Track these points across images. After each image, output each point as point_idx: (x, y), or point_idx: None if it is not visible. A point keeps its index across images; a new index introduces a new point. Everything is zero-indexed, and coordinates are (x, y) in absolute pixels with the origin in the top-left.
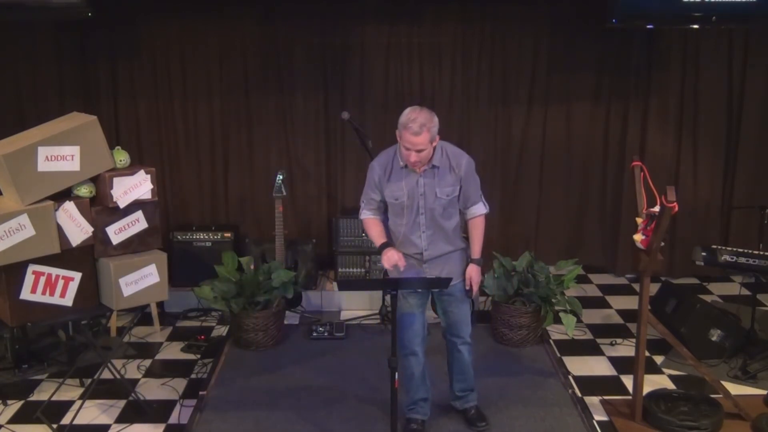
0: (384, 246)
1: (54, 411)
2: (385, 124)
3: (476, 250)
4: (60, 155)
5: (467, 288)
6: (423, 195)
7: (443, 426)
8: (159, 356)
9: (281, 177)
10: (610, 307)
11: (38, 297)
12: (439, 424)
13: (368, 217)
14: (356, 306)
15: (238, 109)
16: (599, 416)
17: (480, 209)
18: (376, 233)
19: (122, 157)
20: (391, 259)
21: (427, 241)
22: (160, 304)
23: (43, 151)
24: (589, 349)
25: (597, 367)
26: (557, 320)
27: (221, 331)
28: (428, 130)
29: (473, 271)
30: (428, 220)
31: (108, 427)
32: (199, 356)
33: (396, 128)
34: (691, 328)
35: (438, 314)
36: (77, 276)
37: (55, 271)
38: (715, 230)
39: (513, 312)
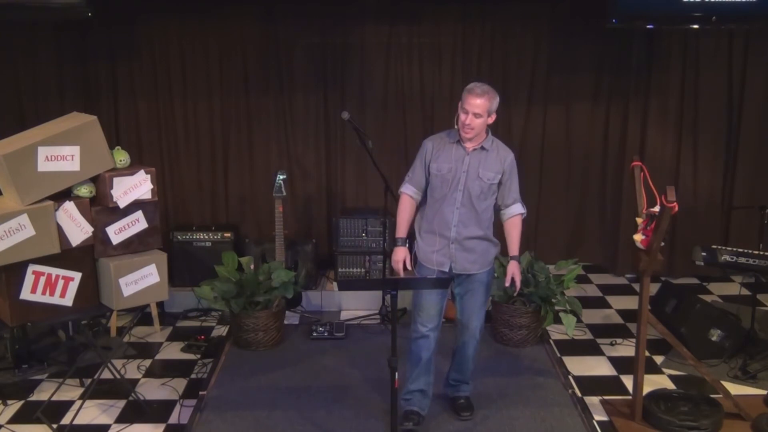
0: (400, 241)
1: (54, 411)
2: (385, 123)
3: (515, 248)
4: (60, 155)
5: (507, 285)
6: (466, 172)
7: (443, 426)
8: (159, 356)
9: (281, 177)
10: (610, 307)
11: (38, 297)
12: (439, 424)
13: (406, 195)
14: (356, 306)
15: (238, 109)
16: (599, 416)
17: (518, 209)
18: (402, 220)
19: (122, 157)
20: (398, 257)
21: (458, 219)
22: (160, 304)
23: (43, 151)
24: (589, 349)
25: (597, 367)
26: (557, 320)
27: (221, 331)
28: (489, 99)
29: (514, 268)
30: (464, 198)
31: (108, 427)
32: (199, 356)
33: (396, 128)
34: (691, 328)
35: (454, 300)
36: (77, 276)
37: (55, 271)
38: (715, 230)
39: (513, 312)
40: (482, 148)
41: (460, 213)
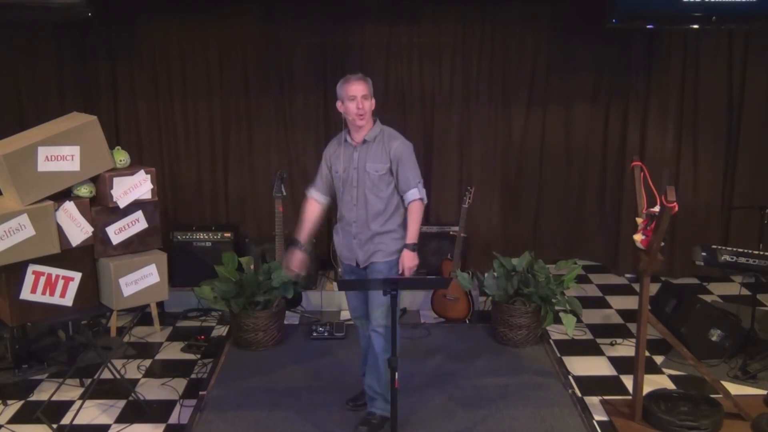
0: (296, 243)
1: (54, 411)
2: (384, 123)
3: (409, 235)
4: (60, 155)
5: (399, 273)
6: (356, 168)
7: (443, 426)
8: (159, 356)
9: (281, 177)
10: (610, 307)
11: (38, 297)
12: (439, 423)
13: (311, 198)
14: None
15: (238, 109)
16: (599, 416)
17: (414, 194)
18: (303, 222)
19: (122, 157)
20: (288, 260)
21: (356, 214)
22: (160, 304)
23: (43, 151)
24: (589, 349)
25: (597, 367)
26: (557, 320)
27: (221, 331)
28: (366, 80)
29: (405, 257)
30: (359, 194)
31: (108, 427)
32: (199, 356)
33: (396, 128)
34: (691, 328)
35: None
36: (77, 276)
37: (55, 271)
38: (715, 230)
39: (513, 312)
40: (365, 141)
41: (357, 209)
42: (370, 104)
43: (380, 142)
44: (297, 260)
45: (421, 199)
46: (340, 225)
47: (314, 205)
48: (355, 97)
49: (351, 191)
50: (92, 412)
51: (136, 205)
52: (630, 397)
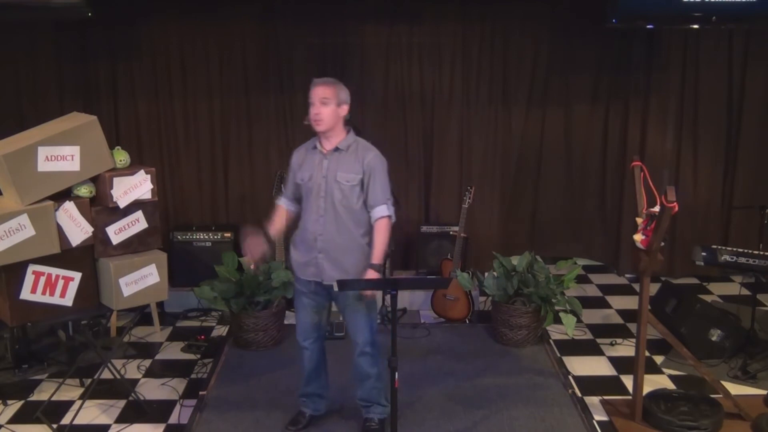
0: (262, 230)
1: (54, 411)
2: (384, 124)
3: (375, 254)
4: (60, 155)
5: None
6: (325, 177)
7: (443, 426)
8: (159, 356)
9: (281, 177)
10: (610, 307)
11: (38, 297)
12: (439, 424)
13: (279, 205)
14: None
15: (238, 109)
16: (599, 416)
17: (383, 211)
18: (273, 219)
19: (122, 157)
20: (247, 244)
21: (323, 227)
22: (160, 304)
23: (43, 151)
24: (589, 349)
25: (597, 367)
26: (557, 320)
27: (221, 331)
28: (334, 86)
29: (370, 276)
30: (327, 204)
31: (108, 427)
32: (199, 356)
33: (396, 128)
34: (691, 328)
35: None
36: (77, 276)
37: (55, 271)
38: (715, 230)
39: (513, 312)
40: (337, 149)
41: (324, 221)
42: (331, 110)
43: (354, 152)
44: (256, 247)
45: (389, 217)
46: (301, 238)
47: (283, 210)
48: (315, 102)
49: (317, 201)
50: (92, 412)
51: (136, 205)
52: (630, 397)
